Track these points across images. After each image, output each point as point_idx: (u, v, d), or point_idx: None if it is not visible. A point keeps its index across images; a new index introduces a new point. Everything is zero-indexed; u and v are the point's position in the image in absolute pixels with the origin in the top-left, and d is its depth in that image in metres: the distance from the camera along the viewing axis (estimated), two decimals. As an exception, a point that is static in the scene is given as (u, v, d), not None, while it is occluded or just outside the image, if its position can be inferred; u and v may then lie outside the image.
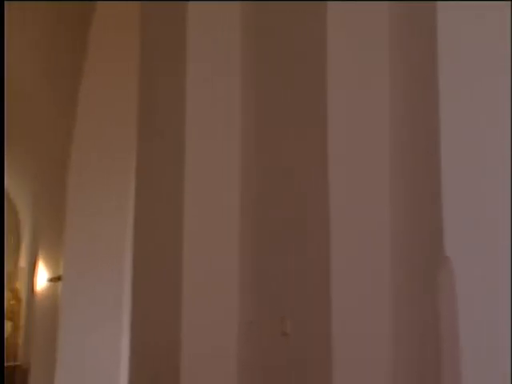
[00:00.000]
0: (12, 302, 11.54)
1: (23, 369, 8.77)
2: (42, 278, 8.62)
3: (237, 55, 2.95)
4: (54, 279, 7.70)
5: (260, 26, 2.88)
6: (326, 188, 2.27)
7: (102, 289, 7.01)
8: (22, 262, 12.20)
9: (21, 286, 11.78)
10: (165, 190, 3.07)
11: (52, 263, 8.17)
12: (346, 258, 2.26)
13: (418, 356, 2.13)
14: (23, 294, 11.27)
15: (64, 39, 7.00)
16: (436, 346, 2.02)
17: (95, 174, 7.13)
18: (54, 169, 7.83)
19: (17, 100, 8.25)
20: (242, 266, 2.80)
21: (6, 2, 6.38)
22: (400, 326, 2.21)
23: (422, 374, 2.11)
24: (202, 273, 2.73)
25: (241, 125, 2.92)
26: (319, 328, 2.27)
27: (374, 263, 2.28)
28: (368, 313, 2.25)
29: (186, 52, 2.89)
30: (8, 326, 11.40)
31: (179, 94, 2.92)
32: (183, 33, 2.92)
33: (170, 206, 2.95)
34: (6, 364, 10.54)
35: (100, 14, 6.25)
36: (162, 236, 3.01)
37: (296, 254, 2.47)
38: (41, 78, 7.48)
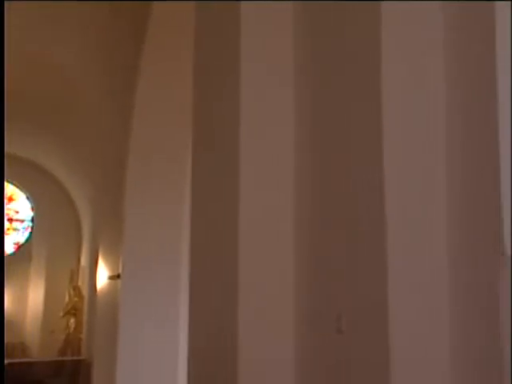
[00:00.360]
0: (75, 299, 11.82)
1: (87, 362, 8.98)
2: (102, 276, 8.80)
3: (289, 54, 2.94)
4: (114, 277, 7.85)
5: (312, 25, 2.87)
6: (381, 187, 2.25)
7: (159, 286, 7.12)
8: (84, 261, 12.50)
9: (83, 283, 12.06)
10: (220, 190, 3.09)
11: (111, 262, 8.33)
12: (402, 255, 2.23)
13: (478, 355, 2.09)
14: (85, 292, 11.52)
15: (121, 40, 7.10)
16: (497, 348, 1.98)
17: (152, 176, 7.24)
18: (113, 172, 7.98)
19: (77, 102, 8.43)
20: (297, 265, 2.79)
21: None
22: (459, 323, 2.18)
23: (482, 373, 2.08)
24: (257, 273, 2.74)
25: (294, 124, 2.91)
26: (375, 326, 2.25)
27: (431, 261, 2.25)
28: (425, 310, 2.21)
29: (240, 52, 2.89)
30: (71, 321, 11.70)
31: (233, 94, 2.93)
32: (237, 33, 2.93)
33: (225, 207, 2.96)
34: (71, 358, 10.84)
35: (156, 14, 6.31)
36: (218, 237, 3.02)
37: (351, 252, 2.45)
38: (99, 79, 7.60)
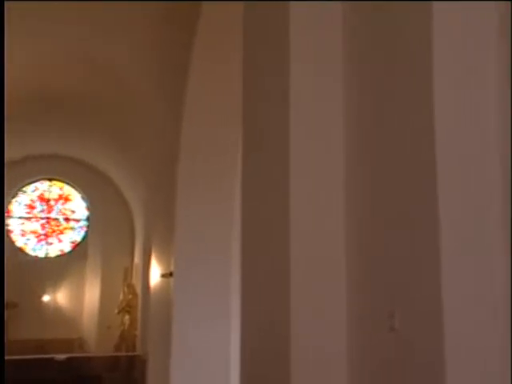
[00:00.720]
0: (129, 297, 12.02)
1: (142, 359, 9.12)
2: (155, 274, 8.92)
3: (339, 55, 2.92)
4: (166, 275, 7.95)
5: (362, 25, 2.83)
6: (434, 185, 2.21)
7: (211, 283, 7.17)
8: (137, 260, 12.70)
9: (136, 281, 12.26)
10: (270, 188, 3.08)
11: (164, 260, 8.43)
12: (456, 252, 2.18)
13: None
14: (139, 289, 11.70)
15: (172, 40, 7.17)
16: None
17: (202, 175, 7.29)
18: (165, 172, 8.07)
19: (129, 103, 8.55)
20: (348, 262, 2.77)
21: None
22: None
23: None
24: (309, 271, 2.72)
25: (344, 123, 2.89)
26: (429, 323, 2.21)
27: (486, 257, 2.19)
28: (481, 307, 2.16)
29: (290, 52, 2.88)
30: (126, 318, 11.91)
31: (282, 94, 2.92)
32: (286, 33, 2.92)
33: (276, 205, 2.96)
34: (126, 354, 11.04)
35: (205, 14, 6.33)
36: (269, 235, 3.02)
37: (404, 249, 2.42)
38: (151, 79, 7.68)
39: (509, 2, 2.08)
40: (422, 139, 2.31)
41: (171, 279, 7.53)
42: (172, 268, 7.51)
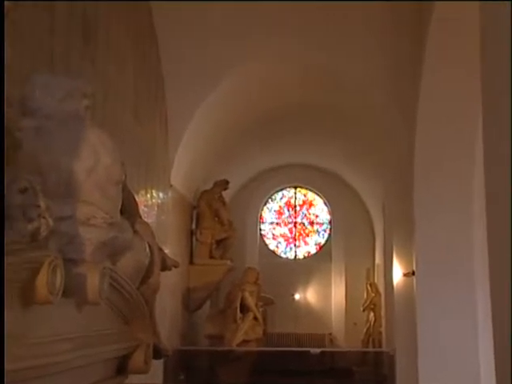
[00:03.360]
0: (372, 295, 12.18)
1: (389, 355, 9.19)
2: (397, 273, 8.94)
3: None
4: (408, 274, 7.94)
5: None
6: None
7: (453, 281, 7.02)
8: (378, 260, 12.80)
9: (378, 280, 12.37)
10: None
11: (405, 260, 8.42)
12: None
13: None
14: (381, 288, 11.79)
15: (402, 44, 7.18)
16: None
17: (439, 175, 7.19)
18: (402, 174, 8.09)
19: (364, 110, 8.72)
20: None
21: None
22: None
23: None
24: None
25: None
26: None
27: None
28: None
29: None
30: (371, 315, 12.09)
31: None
32: None
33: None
34: (373, 349, 11.19)
35: (437, 15, 6.22)
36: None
37: None
38: (383, 85, 7.74)
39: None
40: None
41: (413, 278, 7.51)
42: (413, 267, 7.49)
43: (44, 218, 1.85)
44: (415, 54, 6.94)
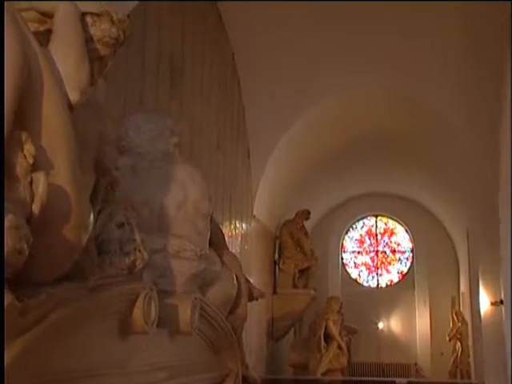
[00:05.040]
0: (458, 324, 11.70)
1: (480, 387, 8.77)
2: (484, 301, 8.57)
3: None
4: (496, 303, 7.60)
5: None
6: None
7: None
8: (463, 288, 12.33)
9: (464, 309, 11.88)
10: None
11: (492, 287, 8.08)
12: None
13: None
14: (467, 317, 11.33)
15: (483, 75, 6.99)
16: None
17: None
18: (485, 203, 7.84)
19: (446, 138, 8.52)
20: None
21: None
22: None
23: None
24: None
25: None
26: None
27: None
28: None
29: None
30: (458, 345, 11.59)
31: None
32: None
33: None
34: (461, 381, 10.70)
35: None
36: None
37: None
38: (464, 113, 7.60)
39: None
40: None
41: (501, 307, 7.18)
42: (501, 296, 7.16)
43: (139, 251, 1.90)
44: (497, 87, 6.76)
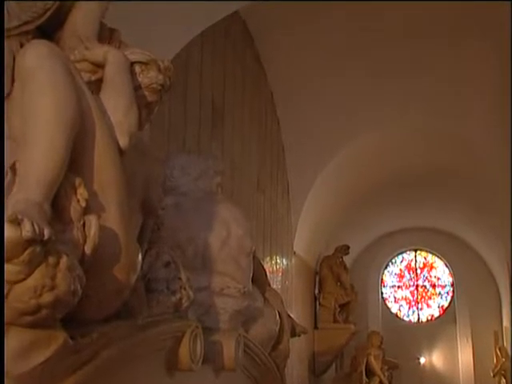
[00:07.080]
0: (503, 360, 11.26)
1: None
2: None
3: None
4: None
5: None
6: None
7: None
8: (506, 322, 11.92)
9: (507, 343, 11.46)
10: None
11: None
12: None
13: None
14: (510, 352, 10.92)
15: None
16: None
17: None
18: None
19: (479, 171, 8.38)
20: None
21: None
22: None
23: None
24: None
25: None
26: None
27: None
28: None
29: None
30: (502, 381, 11.13)
31: None
32: None
33: None
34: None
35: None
36: None
37: None
38: (496, 150, 7.48)
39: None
40: None
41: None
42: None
43: (185, 289, 1.91)
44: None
